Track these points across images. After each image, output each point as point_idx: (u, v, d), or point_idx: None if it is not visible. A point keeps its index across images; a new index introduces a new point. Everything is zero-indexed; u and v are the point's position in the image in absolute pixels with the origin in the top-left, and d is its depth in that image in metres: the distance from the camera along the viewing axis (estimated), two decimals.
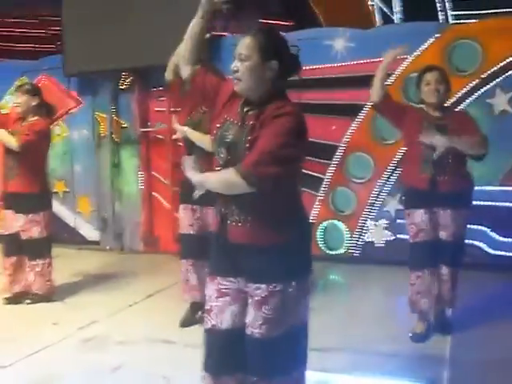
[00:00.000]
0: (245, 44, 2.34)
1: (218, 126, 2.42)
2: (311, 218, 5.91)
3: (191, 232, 4.30)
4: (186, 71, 2.58)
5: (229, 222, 2.36)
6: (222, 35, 6.38)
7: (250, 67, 2.31)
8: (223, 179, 2.30)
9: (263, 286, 2.31)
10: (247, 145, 2.27)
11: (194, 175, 2.37)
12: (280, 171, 2.21)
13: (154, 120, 6.90)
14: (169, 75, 4.15)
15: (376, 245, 6.00)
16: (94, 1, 6.58)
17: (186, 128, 4.16)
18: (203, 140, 3.94)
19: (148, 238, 6.98)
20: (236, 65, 2.35)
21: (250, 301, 2.37)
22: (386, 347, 3.78)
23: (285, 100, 2.37)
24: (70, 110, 7.31)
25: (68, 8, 6.78)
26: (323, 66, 5.94)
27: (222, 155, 2.36)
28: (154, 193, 6.98)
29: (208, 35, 2.72)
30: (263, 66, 2.31)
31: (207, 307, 2.46)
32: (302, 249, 2.43)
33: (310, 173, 5.94)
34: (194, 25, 2.57)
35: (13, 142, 4.68)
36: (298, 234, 2.39)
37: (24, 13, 7.50)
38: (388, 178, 5.90)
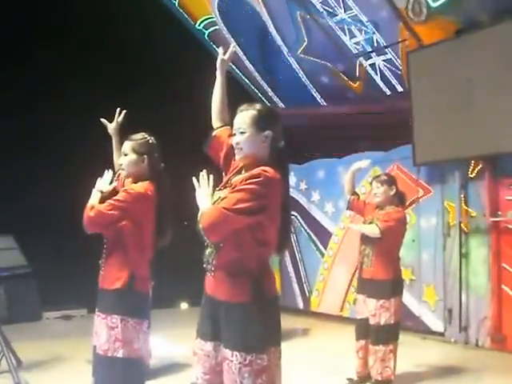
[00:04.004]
0: None
1: None
2: None
3: None
4: None
5: None
6: None
7: None
8: None
9: None
10: None
11: None
12: None
13: (504, 209, 6.57)
14: None
15: None
16: (439, 92, 6.71)
17: None
18: None
19: (496, 334, 6.51)
20: None
21: None
22: None
23: None
24: (419, 198, 7.44)
25: (416, 100, 7.02)
26: None
27: None
28: (503, 286, 6.54)
29: None
30: None
31: None
32: None
33: None
34: None
35: (374, 229, 4.88)
36: None
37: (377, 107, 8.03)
38: None
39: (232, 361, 2.44)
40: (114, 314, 3.21)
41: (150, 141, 3.50)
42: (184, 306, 9.74)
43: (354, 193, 5.36)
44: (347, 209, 5.61)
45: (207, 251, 2.60)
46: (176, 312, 9.32)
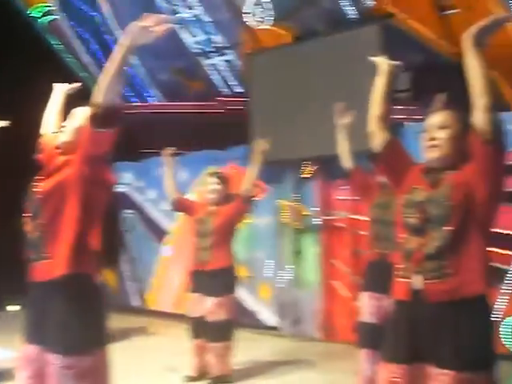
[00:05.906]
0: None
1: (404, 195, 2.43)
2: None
3: (372, 321, 4.22)
4: (378, 140, 2.50)
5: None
6: (402, 123, 6.32)
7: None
8: None
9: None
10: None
11: None
12: None
13: (335, 208, 6.95)
14: (347, 163, 4.40)
15: None
16: (277, 93, 6.95)
17: None
18: None
19: (326, 326, 6.88)
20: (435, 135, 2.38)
21: None
22: None
23: None
24: (254, 197, 7.58)
25: (254, 101, 7.21)
26: None
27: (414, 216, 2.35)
28: (333, 281, 6.92)
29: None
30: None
31: None
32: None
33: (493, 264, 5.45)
34: (379, 85, 2.55)
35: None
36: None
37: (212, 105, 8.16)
38: None
39: (54, 364, 2.37)
40: None
41: None
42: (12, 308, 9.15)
43: (178, 192, 5.33)
44: (173, 209, 5.52)
45: None
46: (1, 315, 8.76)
